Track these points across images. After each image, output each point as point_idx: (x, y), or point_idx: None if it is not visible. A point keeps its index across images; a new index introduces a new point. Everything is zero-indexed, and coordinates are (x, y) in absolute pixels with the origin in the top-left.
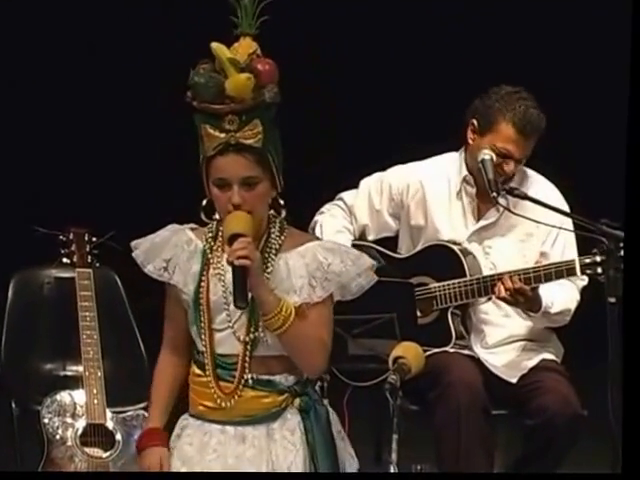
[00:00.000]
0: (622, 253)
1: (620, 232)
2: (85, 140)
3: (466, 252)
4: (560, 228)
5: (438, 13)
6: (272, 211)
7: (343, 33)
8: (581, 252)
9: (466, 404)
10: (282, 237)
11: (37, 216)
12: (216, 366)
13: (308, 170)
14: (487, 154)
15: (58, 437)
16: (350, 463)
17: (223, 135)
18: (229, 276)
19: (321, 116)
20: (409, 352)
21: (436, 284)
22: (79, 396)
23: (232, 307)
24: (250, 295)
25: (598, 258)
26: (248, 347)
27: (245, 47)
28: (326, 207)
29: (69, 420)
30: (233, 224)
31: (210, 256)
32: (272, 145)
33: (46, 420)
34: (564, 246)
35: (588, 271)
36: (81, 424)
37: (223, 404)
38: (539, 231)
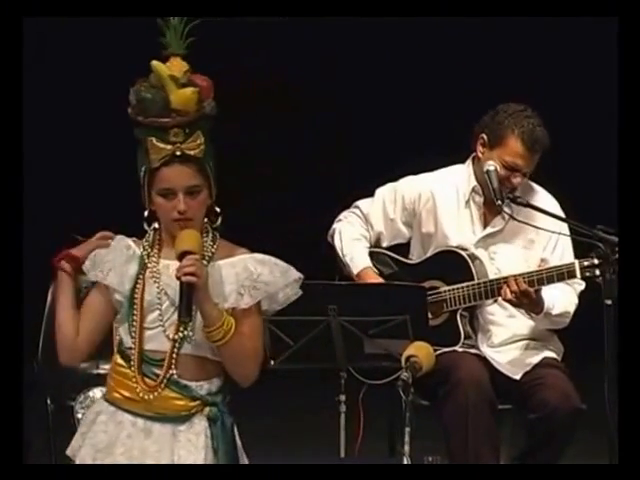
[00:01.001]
0: (617, 257)
1: (615, 237)
2: (122, 150)
3: (474, 257)
4: (560, 234)
5: (448, 33)
6: (205, 219)
7: (361, 53)
8: (578, 257)
9: (474, 399)
10: (215, 246)
11: (76, 224)
12: (142, 361)
13: (325, 179)
14: (492, 165)
15: None
16: None
17: (169, 147)
18: (164, 279)
19: (338, 130)
20: (421, 351)
21: (446, 287)
22: None
23: (164, 307)
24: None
25: (596, 261)
26: (176, 345)
27: (178, 66)
28: (344, 215)
29: None
30: (183, 242)
31: (147, 260)
32: (210, 156)
33: (79, 415)
34: (562, 252)
35: (587, 273)
36: None
37: (146, 397)
38: (540, 238)
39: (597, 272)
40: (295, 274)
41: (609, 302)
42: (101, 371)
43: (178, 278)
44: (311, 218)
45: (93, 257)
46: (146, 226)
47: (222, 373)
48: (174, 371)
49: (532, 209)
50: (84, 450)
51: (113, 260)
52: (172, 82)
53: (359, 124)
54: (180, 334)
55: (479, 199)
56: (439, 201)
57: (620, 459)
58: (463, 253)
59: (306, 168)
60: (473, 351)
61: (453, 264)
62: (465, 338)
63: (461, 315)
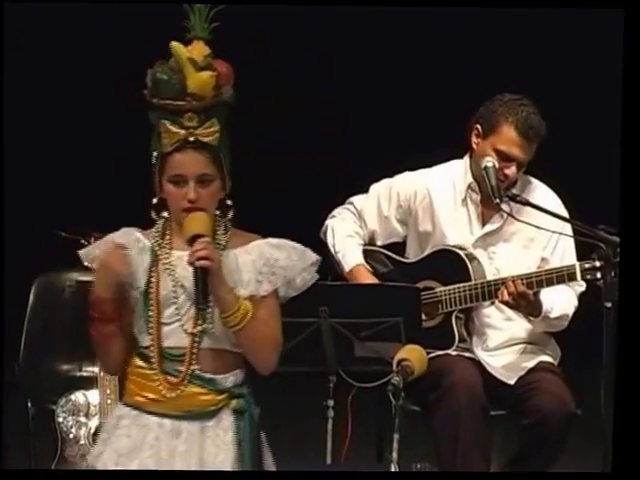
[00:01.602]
0: (619, 259)
1: (617, 238)
2: (109, 145)
3: (472, 257)
4: (560, 234)
5: (444, 25)
6: (218, 212)
7: (356, 44)
8: (579, 258)
9: (466, 406)
10: (227, 235)
11: (59, 220)
12: (163, 359)
13: (319, 175)
14: (490, 161)
15: (72, 436)
16: (268, 465)
17: (183, 132)
18: (179, 271)
19: (332, 124)
20: (413, 355)
21: (442, 288)
22: (93, 396)
23: (181, 301)
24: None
25: (597, 263)
26: (196, 339)
27: (199, 50)
28: (337, 211)
29: (82, 419)
30: (192, 225)
31: (159, 252)
32: (225, 146)
33: (60, 419)
34: (564, 252)
35: (588, 276)
36: (94, 423)
37: (168, 394)
38: (540, 238)
39: (598, 275)
40: (312, 257)
41: (609, 305)
42: (84, 374)
43: (191, 264)
44: (304, 215)
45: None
46: (154, 215)
47: (244, 365)
48: (196, 366)
49: (532, 208)
50: (106, 455)
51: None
52: (191, 65)
53: (357, 119)
54: (199, 327)
55: (476, 197)
56: (436, 198)
57: (613, 467)
58: (461, 252)
59: (301, 164)
60: (467, 355)
61: (450, 264)
62: (459, 341)
63: (456, 317)
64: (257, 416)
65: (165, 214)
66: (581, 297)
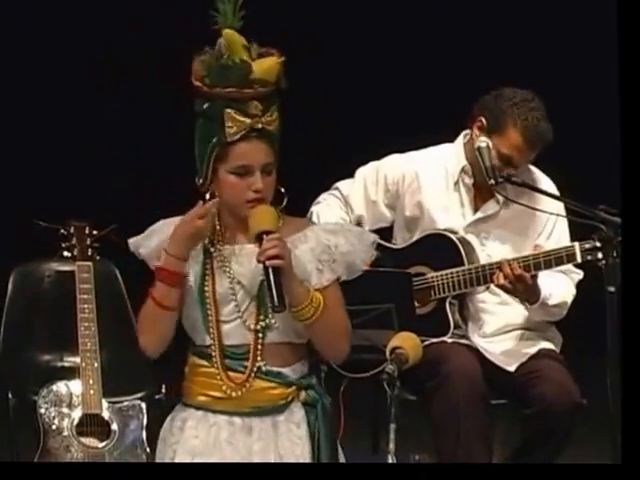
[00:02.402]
0: (620, 240)
1: (618, 219)
2: (86, 133)
3: (464, 241)
4: (558, 215)
5: (436, 7)
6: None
7: (342, 28)
8: (579, 241)
9: (465, 394)
10: (281, 223)
11: (38, 210)
12: (224, 357)
13: (304, 160)
14: (484, 141)
15: (54, 427)
16: (341, 457)
17: (249, 120)
18: (234, 266)
19: (318, 106)
20: (407, 342)
21: (434, 274)
22: (75, 386)
23: (240, 297)
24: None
25: (598, 243)
26: (260, 335)
27: (240, 38)
28: (322, 197)
29: (65, 410)
30: (261, 221)
31: (212, 249)
32: (279, 133)
33: (42, 410)
34: (559, 239)
35: (588, 257)
36: (77, 414)
37: (233, 394)
38: (535, 224)
39: (599, 255)
40: (371, 237)
41: (612, 289)
42: (65, 363)
43: (262, 262)
44: (287, 201)
45: (153, 246)
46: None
47: (307, 355)
48: (261, 363)
49: (528, 189)
50: (179, 458)
51: None
52: (246, 52)
53: (342, 101)
54: (262, 323)
55: (469, 180)
56: (425, 182)
57: (623, 458)
58: (452, 236)
59: (285, 147)
60: (464, 342)
61: (441, 248)
62: (455, 328)
63: (450, 303)
64: (329, 405)
65: (214, 209)
66: (582, 282)
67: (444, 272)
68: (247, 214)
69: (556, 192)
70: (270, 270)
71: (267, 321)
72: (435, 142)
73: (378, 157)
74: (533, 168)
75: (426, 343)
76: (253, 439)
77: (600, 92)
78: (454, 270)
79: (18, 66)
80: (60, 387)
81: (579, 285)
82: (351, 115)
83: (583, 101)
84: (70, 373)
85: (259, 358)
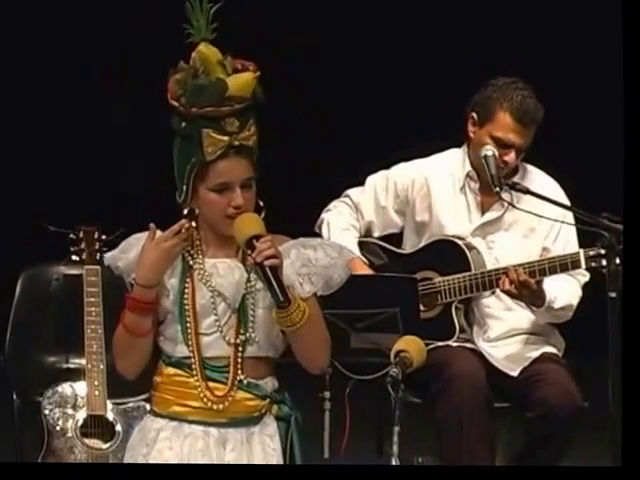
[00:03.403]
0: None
1: (621, 226)
2: (96, 137)
3: (470, 246)
4: (562, 222)
5: (439, 10)
6: None
7: (345, 32)
8: (581, 247)
9: (469, 397)
10: None
11: (48, 214)
12: (205, 368)
13: (314, 168)
14: (490, 150)
15: (58, 428)
16: None
17: (226, 138)
18: (215, 279)
19: (326, 114)
20: (411, 346)
21: (440, 278)
22: (80, 388)
23: (220, 310)
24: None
25: (602, 251)
26: (239, 349)
27: (214, 53)
28: (333, 204)
29: (70, 411)
30: (249, 226)
31: (192, 262)
32: (258, 146)
33: (47, 411)
34: (566, 242)
35: (592, 264)
36: (81, 415)
37: (215, 407)
38: (541, 227)
39: (603, 262)
40: (349, 254)
41: (613, 295)
42: (71, 365)
43: (259, 264)
44: (298, 208)
45: (131, 259)
46: (190, 223)
47: (275, 371)
48: (242, 376)
49: (533, 196)
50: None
51: None
52: (221, 68)
53: (347, 110)
54: (242, 337)
55: (474, 185)
56: (434, 188)
57: (623, 461)
58: (459, 242)
59: (294, 157)
60: (468, 346)
61: (448, 254)
62: (460, 332)
63: (456, 308)
64: (300, 421)
65: (193, 224)
66: (585, 287)
67: (451, 277)
68: (228, 230)
69: (563, 197)
70: (268, 269)
71: (247, 335)
72: (443, 148)
73: (386, 165)
74: (540, 172)
75: (431, 347)
76: (227, 450)
77: (604, 98)
78: (460, 275)
79: (27, 70)
80: (65, 388)
81: (582, 290)
82: (358, 123)
83: (586, 109)
84: (75, 375)
85: (239, 372)
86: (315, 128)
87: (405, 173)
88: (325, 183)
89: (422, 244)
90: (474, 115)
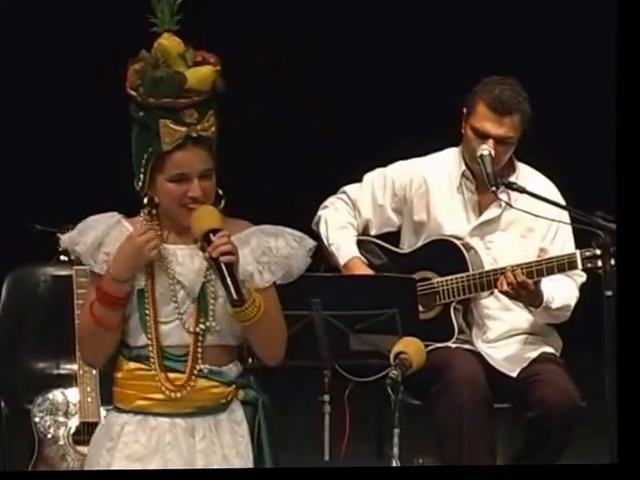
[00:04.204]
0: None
1: (615, 225)
2: (83, 138)
3: (468, 247)
4: (559, 222)
5: (437, 9)
6: None
7: (343, 30)
8: (578, 246)
9: (468, 399)
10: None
11: (34, 213)
12: (163, 358)
13: (311, 164)
14: (485, 149)
15: (50, 436)
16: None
17: (184, 129)
18: (175, 267)
19: (323, 111)
20: (410, 347)
21: (439, 279)
22: (72, 394)
23: (180, 298)
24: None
25: (598, 251)
26: (199, 337)
27: (176, 43)
28: (330, 201)
29: (61, 419)
30: (206, 219)
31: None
32: (217, 137)
33: (37, 419)
34: (563, 242)
35: (589, 264)
36: (74, 423)
37: (173, 395)
38: (539, 227)
39: (599, 263)
40: (310, 242)
41: (609, 293)
42: (61, 371)
43: (214, 259)
44: (293, 205)
45: (89, 243)
46: (146, 214)
47: (240, 356)
48: (201, 366)
49: (529, 195)
50: (117, 464)
51: (117, 248)
52: (181, 61)
53: (345, 107)
54: (202, 326)
55: (471, 185)
56: (431, 187)
57: (620, 458)
58: (457, 242)
59: (290, 153)
60: (467, 347)
61: (446, 254)
62: (459, 333)
63: (454, 308)
64: (268, 403)
65: (153, 212)
66: (581, 286)
67: (449, 277)
68: (185, 221)
69: (559, 197)
70: (224, 266)
71: (207, 324)
72: (442, 146)
73: (384, 163)
74: (536, 172)
75: (430, 348)
76: (197, 439)
77: (596, 101)
78: (459, 276)
79: (16, 66)
80: (56, 395)
81: (579, 290)
82: (355, 120)
83: (578, 108)
84: (66, 381)
85: (199, 360)
86: (313, 125)
87: (403, 172)
88: (322, 180)
89: (420, 244)
90: (464, 110)
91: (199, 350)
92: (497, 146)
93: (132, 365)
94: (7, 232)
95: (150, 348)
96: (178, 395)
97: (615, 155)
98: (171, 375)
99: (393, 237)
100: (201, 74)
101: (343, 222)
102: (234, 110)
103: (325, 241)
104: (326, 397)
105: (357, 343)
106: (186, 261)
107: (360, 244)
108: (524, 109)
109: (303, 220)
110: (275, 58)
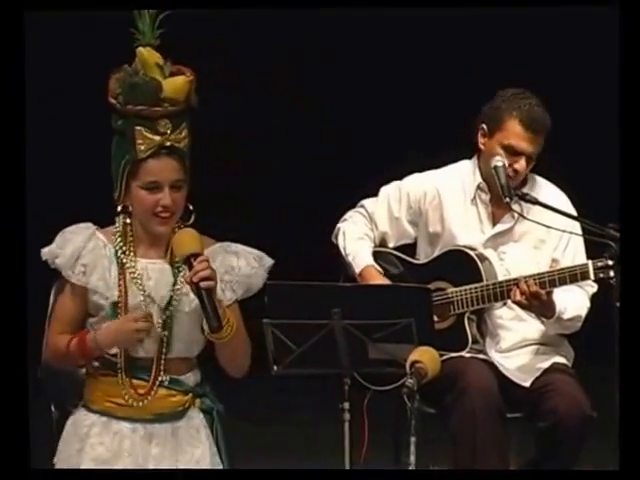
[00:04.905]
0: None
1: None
2: (99, 143)
3: (482, 257)
4: (571, 233)
5: (450, 25)
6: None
7: (357, 43)
8: (588, 258)
9: (482, 408)
10: None
11: (80, 219)
12: (132, 367)
13: (329, 179)
14: (499, 160)
15: None
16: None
17: (158, 138)
18: (145, 280)
19: (338, 125)
20: (425, 356)
21: (453, 289)
22: None
23: (149, 311)
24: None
25: (610, 262)
26: (163, 350)
27: (154, 56)
28: (348, 214)
29: None
30: (188, 243)
31: (125, 260)
32: (189, 151)
33: None
34: (575, 253)
35: (601, 275)
36: None
37: (135, 404)
38: (551, 238)
39: (612, 273)
40: (269, 261)
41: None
42: None
43: (194, 284)
44: (315, 218)
45: (68, 255)
46: (121, 221)
47: (197, 366)
48: (164, 377)
49: (542, 207)
50: (85, 465)
51: (94, 260)
52: (159, 70)
53: (360, 121)
54: (165, 338)
55: (485, 197)
56: (445, 199)
57: (621, 465)
58: (471, 253)
59: (307, 167)
60: (481, 356)
61: (461, 264)
62: (473, 343)
63: (469, 318)
64: (223, 412)
65: (127, 221)
66: (593, 297)
67: (463, 288)
68: (155, 229)
69: (571, 208)
70: (204, 292)
71: (171, 336)
72: (453, 160)
73: (399, 176)
74: (549, 184)
75: (444, 357)
76: (152, 445)
77: (599, 112)
78: (473, 286)
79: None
80: None
81: (591, 300)
82: (372, 135)
83: (583, 122)
84: None
85: (162, 372)
86: (331, 143)
87: (417, 185)
88: (341, 194)
89: (435, 254)
90: (484, 126)
91: (162, 361)
92: (525, 162)
93: (101, 370)
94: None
95: (119, 357)
96: (139, 404)
97: (619, 166)
98: (135, 382)
99: (410, 249)
100: (176, 84)
101: (360, 233)
102: (248, 125)
103: (343, 252)
104: (346, 405)
105: (375, 352)
106: (156, 276)
107: (377, 255)
108: (550, 125)
109: (323, 232)
110: (293, 73)
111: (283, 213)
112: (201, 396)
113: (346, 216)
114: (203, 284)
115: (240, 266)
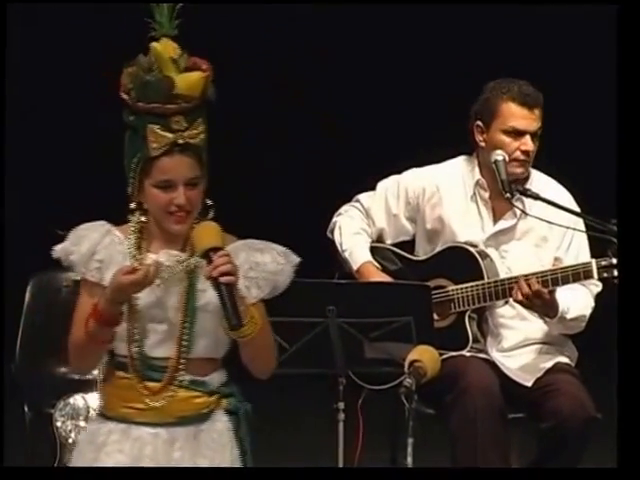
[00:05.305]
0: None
1: None
2: (105, 143)
3: (484, 254)
4: (574, 229)
5: (449, 21)
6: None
7: (356, 40)
8: (592, 254)
9: (482, 408)
10: None
11: (56, 218)
12: (146, 367)
13: (325, 172)
14: (500, 154)
15: (70, 441)
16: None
17: (172, 135)
18: (162, 277)
19: (336, 119)
20: (425, 356)
21: (454, 287)
22: (92, 399)
23: (166, 309)
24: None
25: (614, 260)
26: (183, 349)
27: (172, 48)
28: (344, 208)
29: (82, 424)
30: (208, 237)
31: (140, 257)
32: (206, 145)
33: (59, 423)
34: (578, 251)
35: (605, 274)
36: None
37: (152, 404)
38: (554, 236)
39: (615, 272)
40: (295, 259)
41: None
42: (82, 376)
43: (214, 279)
44: (309, 213)
45: (84, 252)
46: (133, 219)
47: (222, 365)
48: (184, 377)
49: (544, 202)
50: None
51: (109, 257)
52: (173, 65)
53: (359, 115)
54: (185, 337)
55: (485, 193)
56: (445, 196)
57: (619, 462)
58: (472, 250)
59: (304, 161)
60: (482, 356)
61: (461, 261)
62: (473, 342)
63: (469, 317)
64: (251, 411)
65: (142, 218)
66: (597, 296)
67: (464, 285)
68: (170, 228)
69: (573, 204)
70: (223, 287)
71: (191, 336)
72: (451, 155)
73: (395, 171)
74: (551, 180)
75: (444, 357)
76: (174, 449)
77: (597, 110)
78: (474, 284)
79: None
80: (77, 400)
81: (596, 299)
82: (368, 128)
83: (581, 119)
84: (87, 386)
85: (181, 371)
86: (328, 135)
87: (416, 180)
88: (338, 188)
89: (435, 251)
90: (479, 123)
91: (182, 361)
92: (531, 140)
93: (116, 373)
94: (30, 237)
95: (135, 357)
96: (157, 404)
97: (617, 163)
98: (149, 384)
99: (408, 245)
100: (190, 80)
101: (356, 228)
102: (247, 122)
103: (339, 247)
104: (341, 405)
105: (372, 351)
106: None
107: (375, 251)
108: (542, 100)
109: (318, 227)
110: (294, 69)
111: (277, 208)
112: (227, 396)
113: (341, 210)
114: (223, 279)
115: (265, 262)
